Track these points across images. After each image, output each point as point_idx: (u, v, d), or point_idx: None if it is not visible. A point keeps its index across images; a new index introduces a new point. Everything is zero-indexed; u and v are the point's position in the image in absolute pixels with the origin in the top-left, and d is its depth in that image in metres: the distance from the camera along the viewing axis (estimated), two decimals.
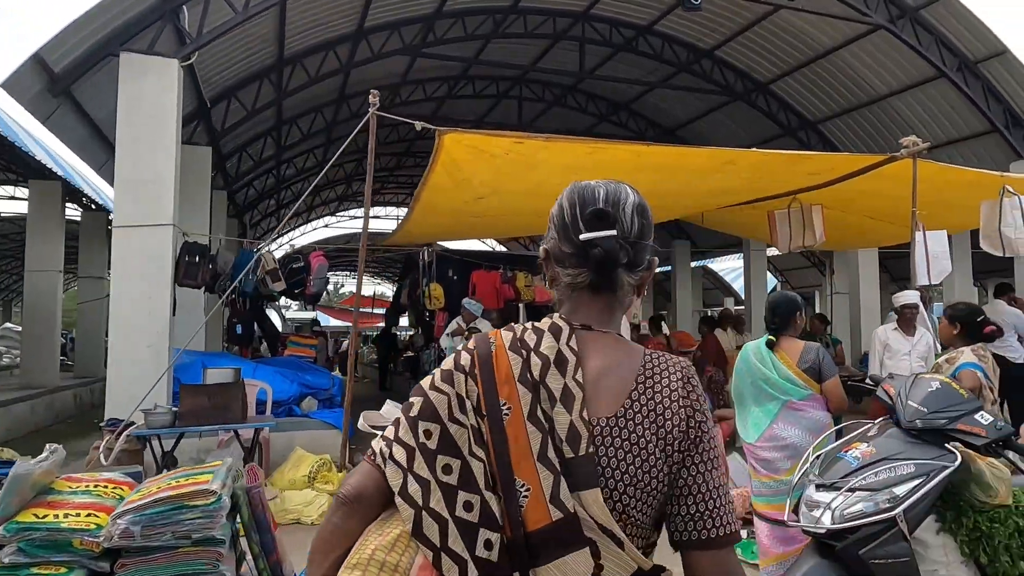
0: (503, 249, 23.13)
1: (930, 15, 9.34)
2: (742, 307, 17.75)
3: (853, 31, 10.01)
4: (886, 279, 22.23)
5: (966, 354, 3.38)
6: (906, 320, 5.25)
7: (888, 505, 2.07)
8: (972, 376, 3.19)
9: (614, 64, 12.60)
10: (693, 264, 21.59)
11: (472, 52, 12.02)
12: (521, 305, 11.24)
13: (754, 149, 5.31)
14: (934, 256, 5.44)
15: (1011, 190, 6.00)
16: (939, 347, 5.66)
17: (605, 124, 14.76)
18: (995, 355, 7.31)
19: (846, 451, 2.30)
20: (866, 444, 2.29)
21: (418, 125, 4.36)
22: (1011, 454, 2.20)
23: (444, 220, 6.54)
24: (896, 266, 21.42)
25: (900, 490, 2.08)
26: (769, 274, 28.89)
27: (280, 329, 13.84)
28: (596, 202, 1.14)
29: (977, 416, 2.19)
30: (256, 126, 11.65)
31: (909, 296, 5.25)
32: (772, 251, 19.83)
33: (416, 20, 10.02)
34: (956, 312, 3.66)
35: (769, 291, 32.05)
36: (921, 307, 5.46)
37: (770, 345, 3.30)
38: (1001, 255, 6.10)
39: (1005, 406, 7.12)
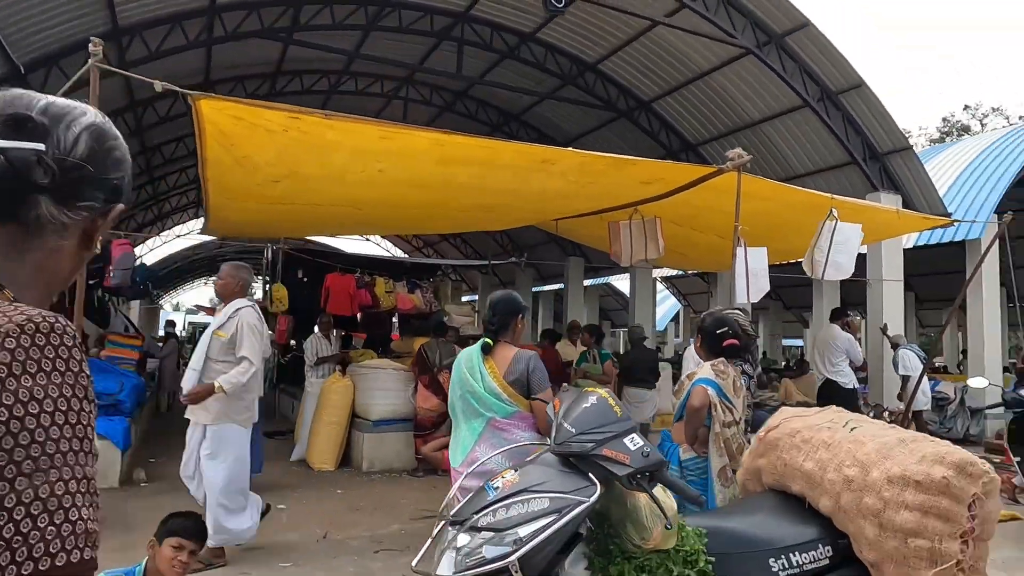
0: (402, 255, 22.45)
1: (794, 43, 9.49)
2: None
3: (726, 53, 10.07)
4: (779, 306, 22.97)
5: (704, 369, 3.06)
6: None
7: (510, 549, 1.63)
8: (701, 393, 2.86)
9: (502, 71, 12.32)
10: (592, 281, 21.59)
11: (352, 45, 11.44)
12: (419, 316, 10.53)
13: (570, 149, 4.97)
14: (754, 274, 5.25)
15: (835, 213, 5.94)
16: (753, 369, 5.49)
17: (497, 134, 14.44)
18: (828, 379, 7.40)
19: (493, 480, 1.87)
20: (514, 471, 1.86)
21: (158, 86, 3.72)
22: (659, 489, 1.80)
23: (251, 206, 5.90)
24: (788, 294, 22.07)
25: (524, 531, 1.65)
26: (673, 298, 29.47)
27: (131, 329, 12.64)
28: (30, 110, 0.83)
29: (626, 440, 1.79)
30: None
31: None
32: (662, 272, 20.05)
33: (272, 2, 9.35)
34: (701, 323, 3.36)
35: (669, 315, 32.42)
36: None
37: (486, 350, 2.87)
38: (811, 276, 6.06)
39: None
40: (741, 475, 2.41)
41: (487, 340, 2.92)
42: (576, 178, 5.50)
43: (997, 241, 10.20)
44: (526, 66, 11.85)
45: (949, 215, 10.21)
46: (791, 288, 18.31)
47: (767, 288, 5.28)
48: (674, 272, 21.41)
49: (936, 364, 14.66)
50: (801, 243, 7.00)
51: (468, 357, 2.92)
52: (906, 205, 10.08)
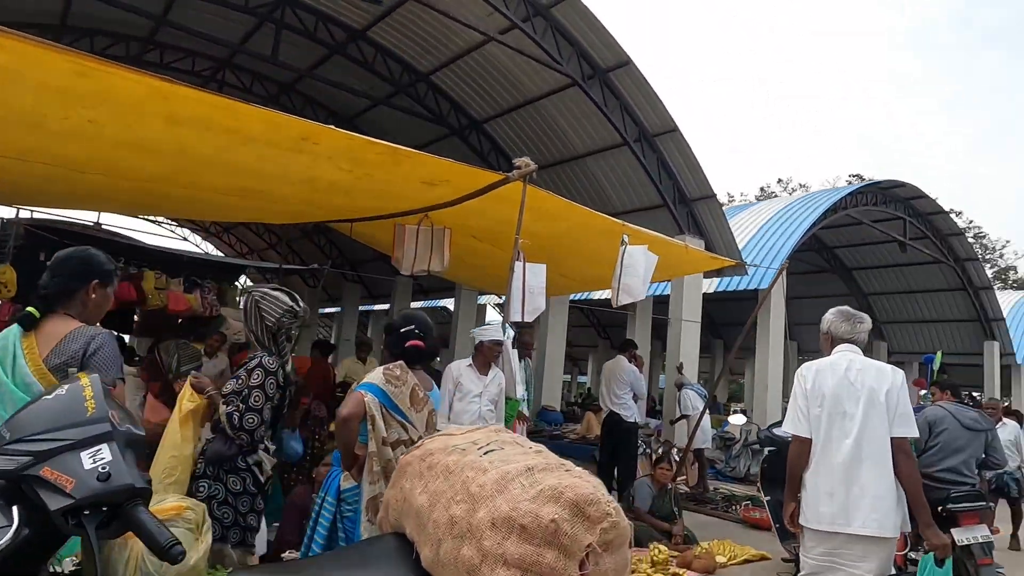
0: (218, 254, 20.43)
1: (617, 80, 9.68)
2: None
3: (555, 82, 10.07)
4: (607, 344, 23.64)
5: (374, 373, 2.56)
6: (482, 357, 4.58)
7: None
8: (354, 402, 2.35)
9: (332, 68, 11.53)
10: (424, 303, 20.93)
11: (158, 8, 10.13)
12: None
13: (332, 126, 4.35)
14: (531, 291, 4.91)
15: (626, 239, 5.83)
16: (520, 391, 5.13)
17: None
18: (611, 412, 7.34)
19: None
20: None
21: None
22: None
23: None
24: (618, 333, 22.66)
25: None
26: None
27: None
28: None
29: (84, 455, 1.16)
30: None
31: (491, 332, 4.60)
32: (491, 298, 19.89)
33: None
34: (389, 321, 2.91)
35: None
36: (507, 345, 4.87)
37: (28, 324, 2.15)
38: (613, 304, 5.91)
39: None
40: (380, 511, 1.88)
41: (31, 311, 2.10)
42: (349, 167, 4.87)
43: (783, 292, 11.00)
44: (357, 66, 11.19)
45: (744, 263, 10.86)
46: (619, 327, 18.87)
47: (543, 307, 4.96)
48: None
49: (735, 407, 15.68)
50: (607, 271, 6.89)
51: (4, 336, 2.09)
52: (708, 249, 10.58)
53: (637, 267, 5.67)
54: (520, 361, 6.09)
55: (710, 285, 12.53)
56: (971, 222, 38.21)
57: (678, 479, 9.12)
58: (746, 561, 5.20)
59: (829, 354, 3.13)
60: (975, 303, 17.96)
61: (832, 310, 3.29)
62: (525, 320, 4.93)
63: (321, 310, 23.32)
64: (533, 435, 10.70)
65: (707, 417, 9.14)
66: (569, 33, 9.18)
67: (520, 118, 11.36)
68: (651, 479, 5.57)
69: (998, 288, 25.11)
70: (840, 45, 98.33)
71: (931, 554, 2.89)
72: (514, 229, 6.48)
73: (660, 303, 12.73)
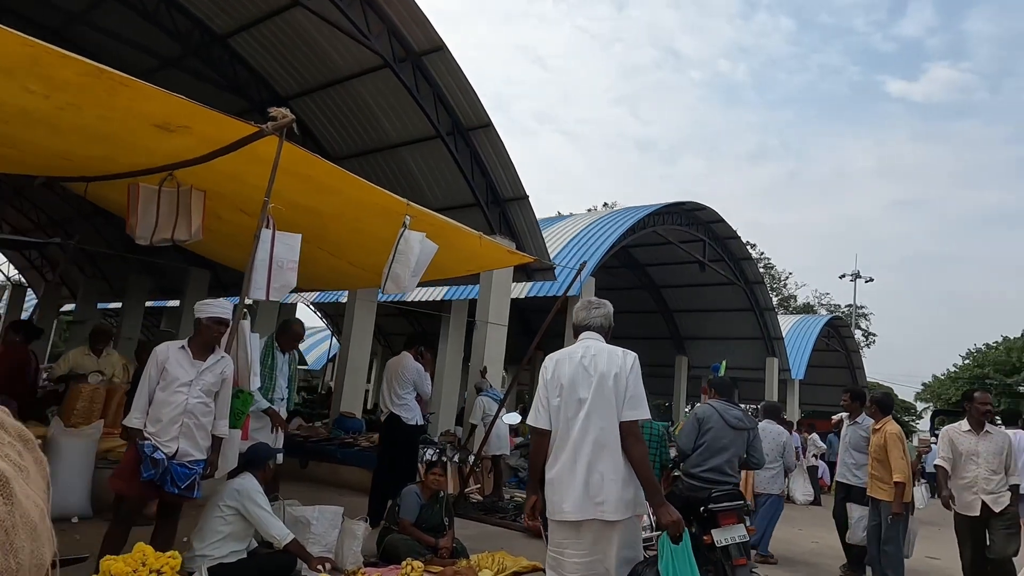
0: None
1: (431, 66, 9.19)
2: None
3: (367, 61, 9.36)
4: None
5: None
6: (200, 338, 3.73)
7: None
8: None
9: (108, 16, 9.87)
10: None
11: None
12: None
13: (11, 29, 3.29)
14: (279, 265, 4.14)
15: (407, 222, 5.25)
16: (255, 383, 4.34)
17: None
18: (392, 414, 6.73)
19: None
20: None
21: None
22: None
23: None
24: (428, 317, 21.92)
25: None
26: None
27: None
28: None
29: None
30: None
31: (214, 308, 3.77)
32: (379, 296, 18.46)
33: None
34: None
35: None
36: (244, 328, 4.06)
37: None
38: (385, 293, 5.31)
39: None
40: None
41: None
42: (43, 90, 3.78)
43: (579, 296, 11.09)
44: (141, 19, 9.66)
45: (551, 263, 10.80)
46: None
47: (293, 284, 4.21)
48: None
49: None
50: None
51: None
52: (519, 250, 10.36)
53: (410, 255, 5.08)
54: (284, 354, 5.26)
55: (521, 290, 12.42)
56: (762, 253, 42.87)
57: (471, 488, 8.76)
58: (516, 574, 4.79)
59: None
60: (760, 323, 19.77)
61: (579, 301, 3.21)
62: (271, 299, 4.15)
63: (101, 304, 20.34)
64: (326, 442, 9.77)
65: (505, 424, 8.83)
66: (380, 7, 8.54)
67: (331, 99, 10.48)
68: (420, 487, 5.00)
69: (781, 313, 28.17)
70: (655, 96, 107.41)
71: (664, 533, 2.76)
72: (289, 202, 5.66)
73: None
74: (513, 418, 7.14)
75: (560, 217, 15.14)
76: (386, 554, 4.72)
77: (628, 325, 20.20)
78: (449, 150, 9.75)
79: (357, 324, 11.27)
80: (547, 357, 3.03)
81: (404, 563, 4.11)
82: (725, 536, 4.14)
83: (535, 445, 2.94)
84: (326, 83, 10.14)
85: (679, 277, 19.25)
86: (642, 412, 2.81)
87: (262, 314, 14.05)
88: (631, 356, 2.91)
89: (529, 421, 2.94)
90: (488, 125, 9.61)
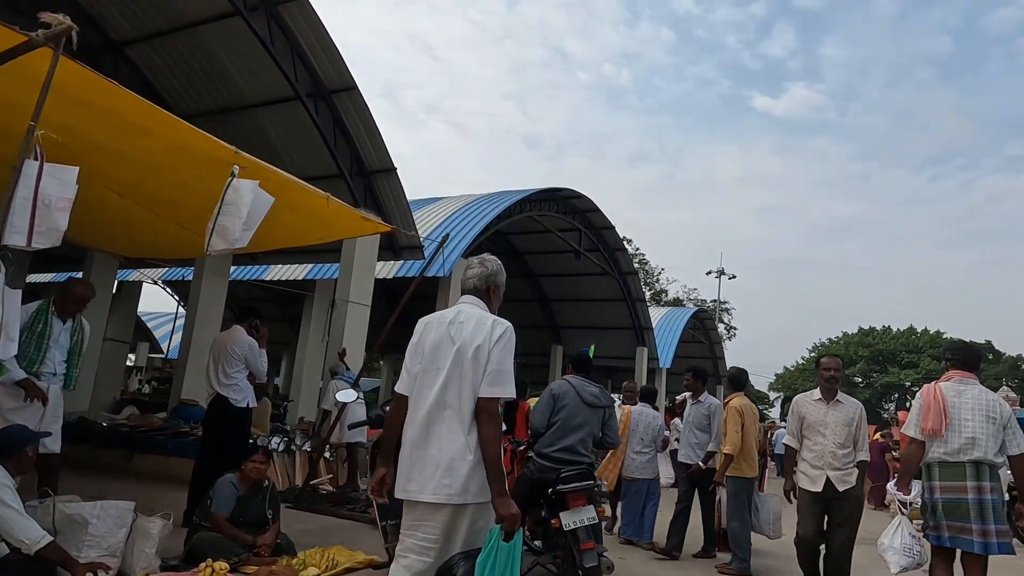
0: None
1: (288, 17, 8.35)
2: None
3: (214, 5, 8.34)
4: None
5: None
6: None
7: None
8: None
9: None
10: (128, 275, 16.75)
11: None
12: None
13: None
14: (46, 204, 3.34)
15: (236, 171, 4.54)
16: (11, 350, 3.53)
17: None
18: (218, 395, 5.98)
19: None
20: None
21: None
22: None
23: None
24: (297, 298, 20.57)
25: None
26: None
27: None
28: None
29: None
30: None
31: None
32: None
33: None
34: None
35: None
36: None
37: None
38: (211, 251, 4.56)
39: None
40: None
41: None
42: None
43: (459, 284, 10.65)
44: None
45: (421, 245, 10.27)
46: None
47: (62, 227, 3.42)
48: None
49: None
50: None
51: None
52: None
53: (241, 205, 4.37)
54: (63, 321, 4.38)
55: (390, 270, 11.78)
56: (637, 249, 44.49)
57: (321, 478, 8.09)
58: (348, 570, 4.27)
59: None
60: (632, 313, 20.27)
61: None
62: (34, 246, 3.35)
63: None
64: (156, 432, 8.68)
65: (362, 410, 8.22)
66: None
67: (174, 47, 9.31)
68: (239, 477, 4.34)
69: (652, 305, 29.26)
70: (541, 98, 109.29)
71: (498, 527, 2.38)
72: (91, 143, 4.78)
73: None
74: (347, 395, 6.57)
75: (432, 199, 14.59)
76: (192, 555, 4.03)
77: (505, 313, 19.96)
78: (309, 114, 8.95)
79: (205, 301, 10.18)
80: (420, 320, 2.69)
81: (203, 565, 3.47)
82: (574, 519, 3.84)
83: (391, 411, 2.66)
84: (169, 28, 8.99)
85: (556, 266, 19.30)
86: (504, 390, 2.47)
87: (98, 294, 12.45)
88: (501, 326, 2.55)
89: (396, 388, 2.64)
90: (353, 88, 8.90)
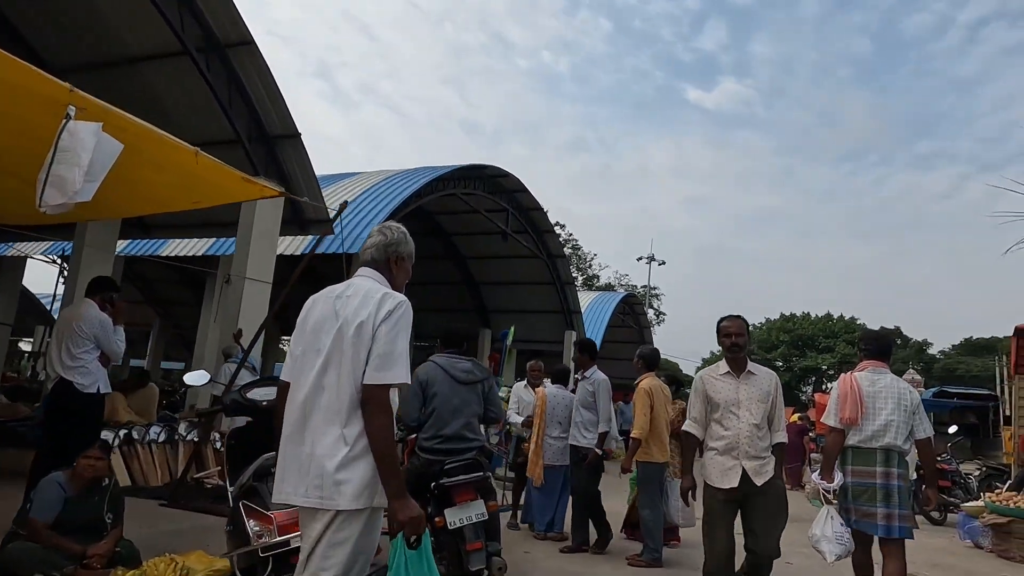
0: None
1: None
2: None
3: None
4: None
5: None
6: None
7: None
8: None
9: None
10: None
11: None
12: None
13: None
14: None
15: (71, 113, 3.81)
16: None
17: None
18: (62, 379, 5.19)
19: None
20: None
21: None
22: None
23: None
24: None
25: None
26: None
27: None
28: None
29: None
30: None
31: None
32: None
33: None
34: None
35: None
36: None
37: None
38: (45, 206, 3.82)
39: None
40: None
41: None
42: None
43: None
44: None
45: (330, 218, 9.56)
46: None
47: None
48: None
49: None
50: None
51: None
52: (295, 201, 8.99)
53: (80, 151, 3.65)
54: None
55: (298, 246, 10.99)
56: (571, 235, 44.48)
57: (207, 472, 7.37)
58: None
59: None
60: (560, 296, 20.02)
61: None
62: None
63: None
64: (23, 423, 7.73)
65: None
66: None
67: None
68: (68, 476, 3.67)
69: (583, 290, 29.22)
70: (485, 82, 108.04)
71: (400, 535, 2.07)
72: None
73: None
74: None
75: (348, 174, 13.79)
76: (3, 569, 3.35)
77: (433, 296, 19.45)
78: (200, 71, 8.08)
79: (86, 277, 9.15)
80: (310, 297, 2.34)
81: None
82: (459, 516, 3.37)
83: (277, 400, 2.32)
84: None
85: (484, 248, 18.81)
86: (393, 374, 2.09)
87: None
88: (392, 300, 2.17)
89: (282, 375, 2.30)
90: (250, 43, 8.08)
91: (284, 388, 2.23)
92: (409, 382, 2.25)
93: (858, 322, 51.07)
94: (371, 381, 2.05)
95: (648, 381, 5.28)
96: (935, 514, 9.01)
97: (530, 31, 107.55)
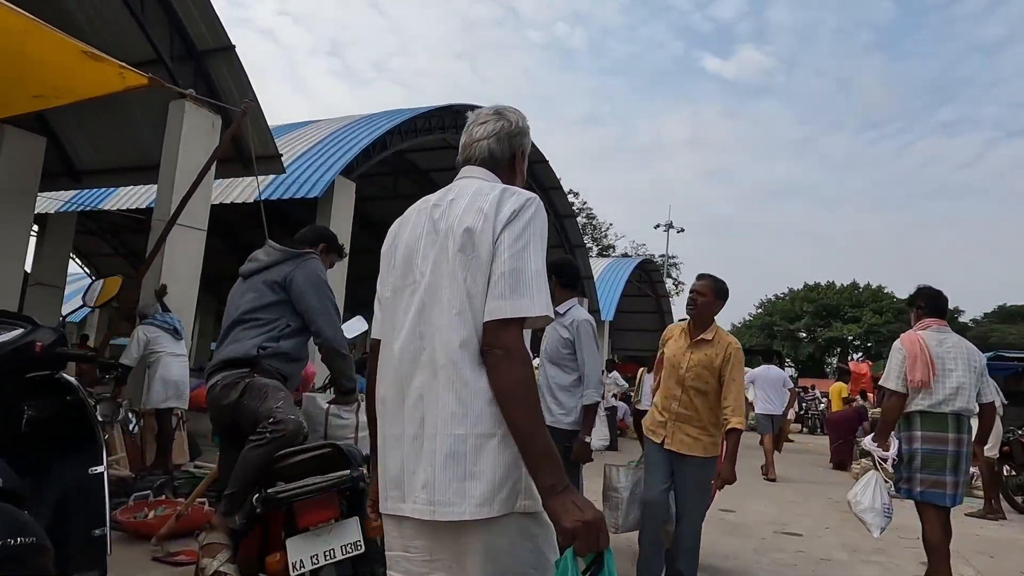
0: None
1: None
2: None
3: None
4: None
5: None
6: None
7: None
8: None
9: None
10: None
11: None
12: None
13: None
14: None
15: None
16: None
17: None
18: None
19: None
20: None
21: None
22: None
23: None
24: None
25: None
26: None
27: None
28: None
29: None
30: None
31: None
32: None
33: None
34: None
35: None
36: None
37: None
38: None
39: None
40: None
41: None
42: None
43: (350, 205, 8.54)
44: None
45: (278, 154, 8.05)
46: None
47: None
48: None
49: None
50: None
51: None
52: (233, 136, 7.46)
53: None
54: None
55: (242, 192, 9.48)
56: (585, 203, 42.64)
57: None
58: None
59: None
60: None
61: None
62: None
63: None
64: None
65: (178, 362, 6.11)
66: None
67: None
68: None
69: (596, 257, 27.56)
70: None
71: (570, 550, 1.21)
72: None
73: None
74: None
75: (308, 122, 12.23)
76: None
77: None
78: None
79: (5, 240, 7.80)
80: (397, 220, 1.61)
81: None
82: (311, 552, 1.86)
83: (368, 369, 1.60)
84: None
85: None
86: (525, 304, 1.32)
87: None
88: (517, 197, 1.42)
89: (373, 332, 1.61)
90: None
91: (375, 348, 1.57)
92: (552, 315, 1.39)
93: (885, 291, 48.92)
94: (494, 315, 1.33)
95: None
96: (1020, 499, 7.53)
97: (543, 2, 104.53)
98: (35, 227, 13.31)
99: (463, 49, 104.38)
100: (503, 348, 1.32)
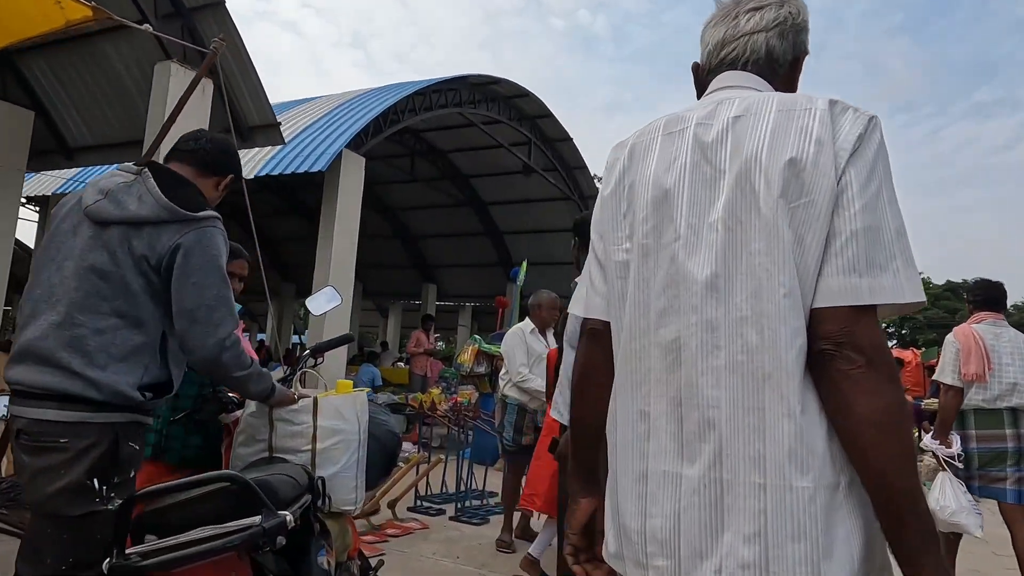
0: None
1: None
2: None
3: None
4: None
5: None
6: None
7: None
8: None
9: None
10: None
11: None
12: None
13: None
14: None
15: None
16: None
17: None
18: None
19: None
20: None
21: None
22: None
23: None
24: None
25: None
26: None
27: None
28: None
29: None
30: None
31: None
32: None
33: None
34: None
35: None
36: None
37: None
38: None
39: None
40: None
41: None
42: None
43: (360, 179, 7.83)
44: None
45: (277, 122, 7.40)
46: None
47: None
48: None
49: None
50: None
51: None
52: (229, 99, 6.79)
53: None
54: None
55: (254, 167, 8.81)
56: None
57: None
58: None
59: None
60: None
61: None
62: None
63: None
64: None
65: None
66: None
67: None
68: None
69: None
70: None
71: None
72: None
73: None
74: None
75: (307, 99, 11.56)
76: None
77: (438, 220, 17.38)
78: None
79: None
80: (616, 145, 1.14)
81: None
82: None
83: (581, 362, 1.15)
84: None
85: (503, 190, 16.47)
86: (897, 284, 0.87)
87: None
88: (859, 117, 0.94)
89: (571, 307, 1.21)
90: None
91: (595, 334, 1.09)
92: (919, 299, 0.90)
93: (921, 276, 47.21)
94: (843, 299, 0.87)
95: None
96: None
97: None
98: (36, 208, 12.87)
99: (485, 38, 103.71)
100: (860, 351, 0.87)
